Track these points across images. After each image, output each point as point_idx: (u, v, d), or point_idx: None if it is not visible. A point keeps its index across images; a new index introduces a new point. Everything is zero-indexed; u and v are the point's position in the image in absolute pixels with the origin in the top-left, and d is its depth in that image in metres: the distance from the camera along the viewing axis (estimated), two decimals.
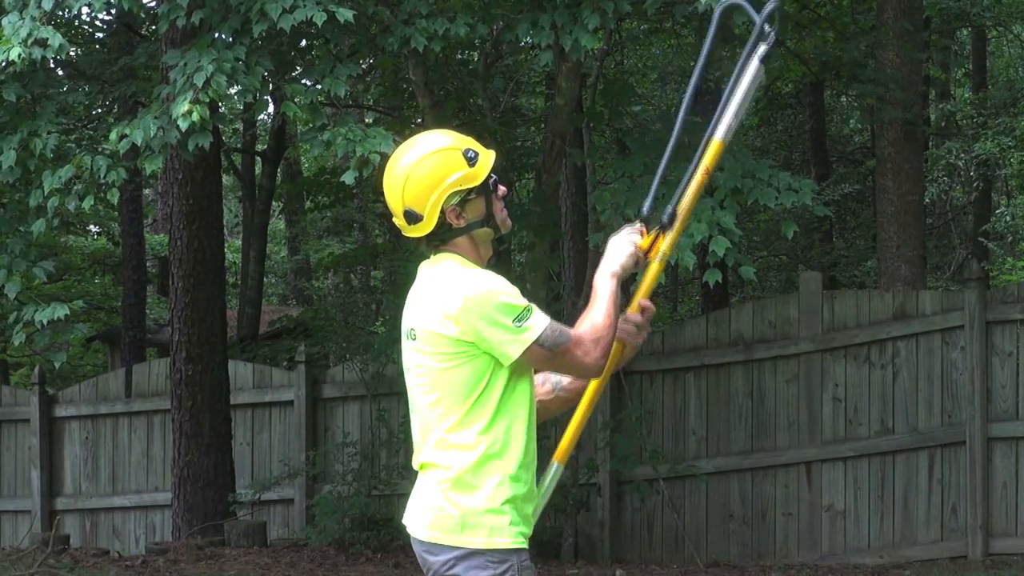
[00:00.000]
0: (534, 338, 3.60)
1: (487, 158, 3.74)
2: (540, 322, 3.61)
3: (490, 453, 3.62)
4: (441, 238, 3.73)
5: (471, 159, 3.70)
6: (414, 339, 3.71)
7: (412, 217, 3.72)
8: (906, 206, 12.22)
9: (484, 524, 3.60)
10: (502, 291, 3.61)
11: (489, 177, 3.74)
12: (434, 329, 3.64)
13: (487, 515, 3.60)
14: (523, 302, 3.62)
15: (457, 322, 3.61)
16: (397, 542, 11.53)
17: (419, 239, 3.75)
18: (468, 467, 3.62)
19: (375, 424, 12.32)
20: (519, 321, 3.59)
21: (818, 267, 17.52)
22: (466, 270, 3.68)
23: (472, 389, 3.63)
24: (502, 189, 3.78)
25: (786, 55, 14.66)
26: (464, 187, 3.69)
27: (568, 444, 3.91)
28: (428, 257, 3.79)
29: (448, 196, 3.68)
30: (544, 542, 11.28)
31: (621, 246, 3.79)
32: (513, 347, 3.60)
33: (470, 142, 3.76)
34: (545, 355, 3.63)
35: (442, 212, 3.69)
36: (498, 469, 3.62)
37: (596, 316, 3.69)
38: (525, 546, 3.66)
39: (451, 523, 3.62)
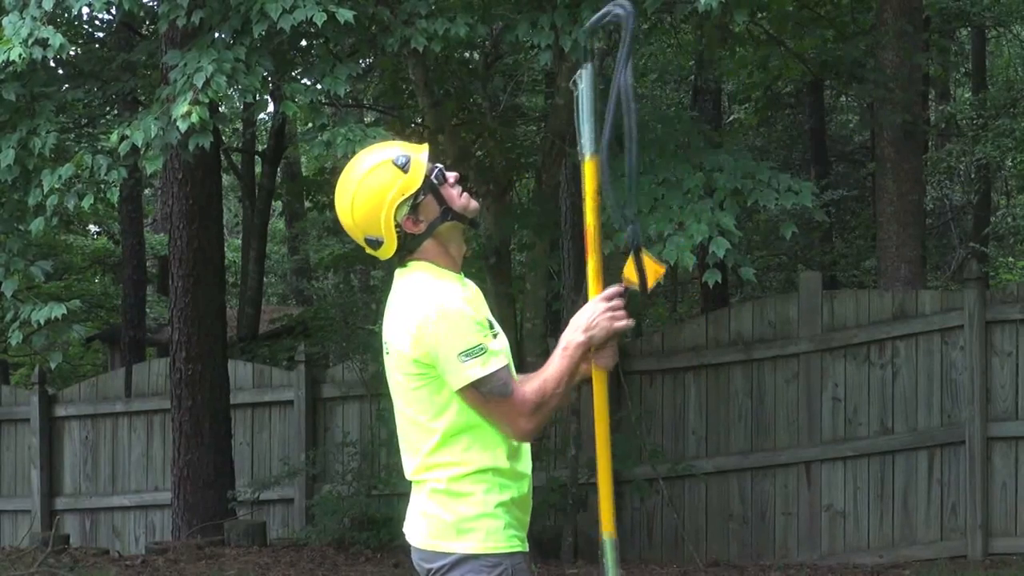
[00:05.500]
0: (472, 379, 3.49)
1: (420, 155, 3.64)
2: (488, 366, 3.49)
3: (478, 468, 3.57)
4: (408, 249, 3.65)
5: (403, 165, 3.60)
6: (388, 353, 3.67)
7: (374, 243, 3.65)
8: (906, 206, 12.22)
9: (479, 528, 3.56)
10: (459, 319, 3.51)
11: (432, 171, 3.63)
12: (399, 347, 3.59)
13: (481, 519, 3.56)
14: (477, 339, 3.49)
15: (415, 343, 3.54)
16: (397, 542, 11.53)
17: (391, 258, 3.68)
18: (457, 477, 3.58)
19: (375, 424, 12.32)
20: (466, 356, 3.48)
21: (818, 267, 17.50)
22: (433, 286, 3.58)
23: (443, 410, 3.57)
24: (451, 176, 3.66)
25: (786, 55, 14.66)
26: (406, 195, 3.59)
27: (608, 510, 3.70)
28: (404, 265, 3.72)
29: (396, 210, 3.60)
30: (544, 542, 11.29)
31: (601, 318, 3.57)
32: (453, 379, 3.52)
33: (399, 147, 3.67)
34: (479, 400, 3.52)
35: (398, 226, 3.61)
36: (488, 476, 3.57)
37: (549, 381, 3.55)
38: (520, 549, 3.61)
39: (446, 529, 3.58)
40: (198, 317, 12.63)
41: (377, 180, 3.61)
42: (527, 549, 3.67)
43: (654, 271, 3.59)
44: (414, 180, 3.61)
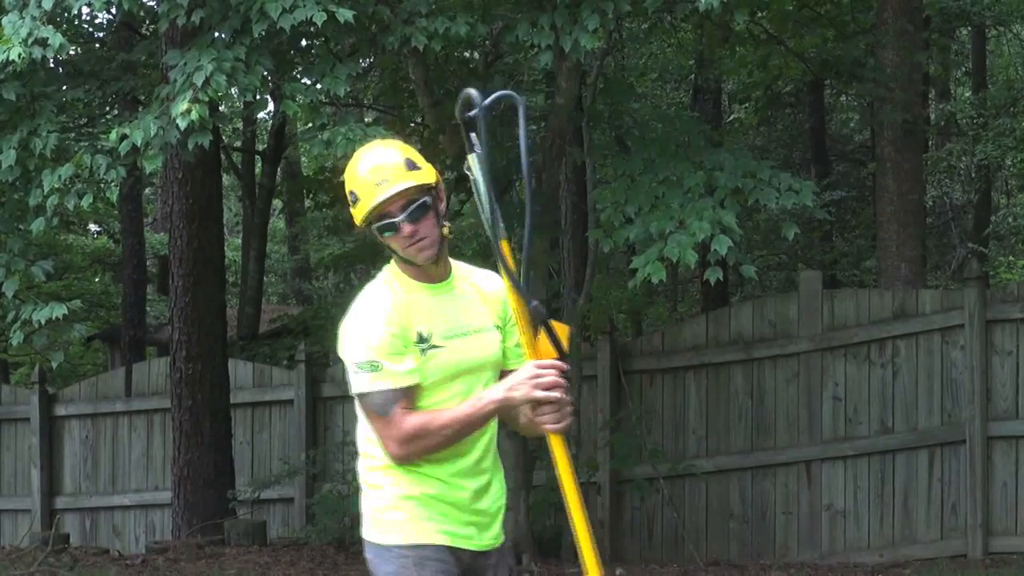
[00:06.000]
0: (356, 391, 3.64)
1: (365, 203, 3.60)
2: (375, 384, 3.58)
3: (388, 463, 3.67)
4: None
5: (353, 202, 3.65)
6: None
7: None
8: (906, 205, 12.22)
9: (384, 520, 3.68)
10: (366, 333, 3.61)
11: (379, 219, 3.59)
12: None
13: (387, 512, 3.68)
14: (374, 355, 3.58)
15: (339, 346, 3.72)
16: None
17: None
18: (374, 469, 3.70)
19: None
20: (358, 368, 3.61)
21: (818, 266, 17.50)
22: (366, 296, 3.69)
23: None
24: (405, 229, 3.59)
25: (786, 54, 14.66)
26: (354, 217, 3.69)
27: (590, 555, 3.55)
28: None
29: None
30: (544, 542, 11.29)
31: (525, 382, 3.53)
32: (353, 387, 3.66)
33: (357, 179, 3.61)
34: (364, 410, 3.66)
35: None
36: (398, 472, 3.66)
37: (436, 420, 3.59)
38: (438, 542, 3.66)
39: (368, 521, 3.74)
40: (198, 317, 12.63)
41: (344, 188, 3.71)
42: (457, 544, 3.68)
43: (563, 332, 3.57)
44: (355, 216, 3.68)
